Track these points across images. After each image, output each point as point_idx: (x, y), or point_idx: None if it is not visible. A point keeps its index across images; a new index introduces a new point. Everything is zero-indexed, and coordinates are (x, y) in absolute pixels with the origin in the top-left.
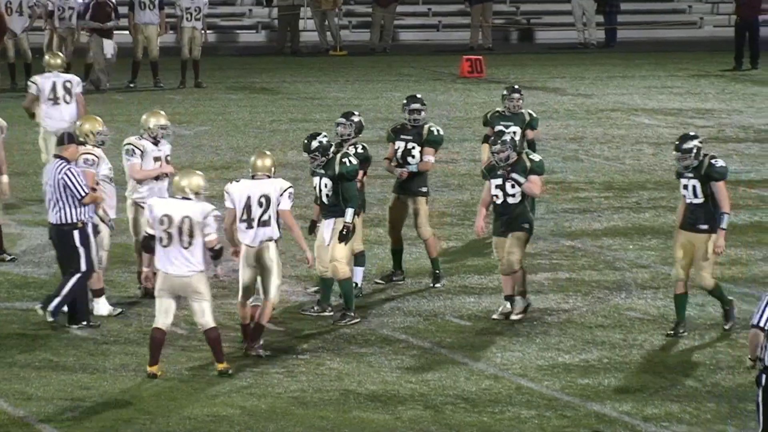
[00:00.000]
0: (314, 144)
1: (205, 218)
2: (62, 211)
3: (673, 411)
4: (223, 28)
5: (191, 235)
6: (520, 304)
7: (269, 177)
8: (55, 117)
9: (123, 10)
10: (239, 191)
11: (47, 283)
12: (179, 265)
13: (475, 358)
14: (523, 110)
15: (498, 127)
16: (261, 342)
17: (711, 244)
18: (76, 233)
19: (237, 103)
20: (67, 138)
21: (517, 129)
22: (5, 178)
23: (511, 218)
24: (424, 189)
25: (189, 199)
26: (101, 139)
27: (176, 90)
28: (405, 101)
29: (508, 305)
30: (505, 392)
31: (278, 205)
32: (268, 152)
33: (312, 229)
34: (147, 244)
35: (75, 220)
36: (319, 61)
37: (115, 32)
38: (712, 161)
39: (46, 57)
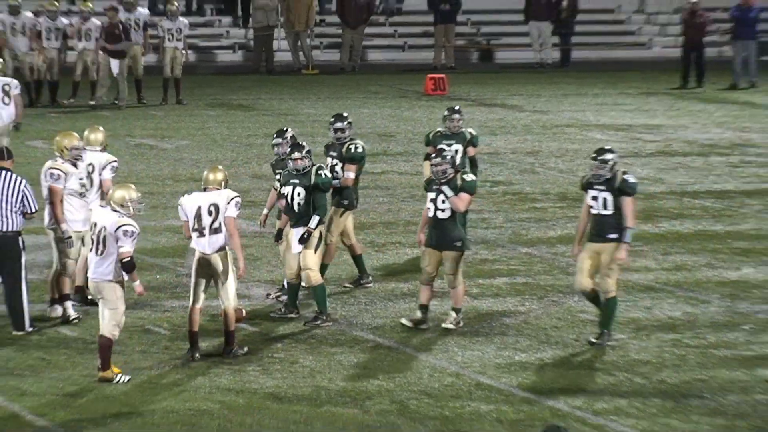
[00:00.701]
0: (283, 136)
1: (116, 231)
2: (8, 220)
3: (622, 406)
4: (203, 49)
5: (104, 245)
6: (453, 317)
7: (218, 189)
8: None
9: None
10: (190, 203)
11: (38, 287)
12: (93, 270)
13: (437, 357)
14: (463, 129)
15: (440, 146)
16: (235, 346)
17: (620, 253)
18: (20, 240)
19: (215, 119)
20: (7, 153)
21: (459, 147)
22: None
23: (442, 234)
24: (345, 202)
25: (116, 210)
26: (75, 155)
27: (159, 106)
28: (331, 120)
29: (419, 313)
30: (465, 388)
31: (225, 213)
32: (221, 167)
33: (278, 236)
34: None
35: (19, 229)
36: (292, 79)
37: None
38: (626, 176)
39: None
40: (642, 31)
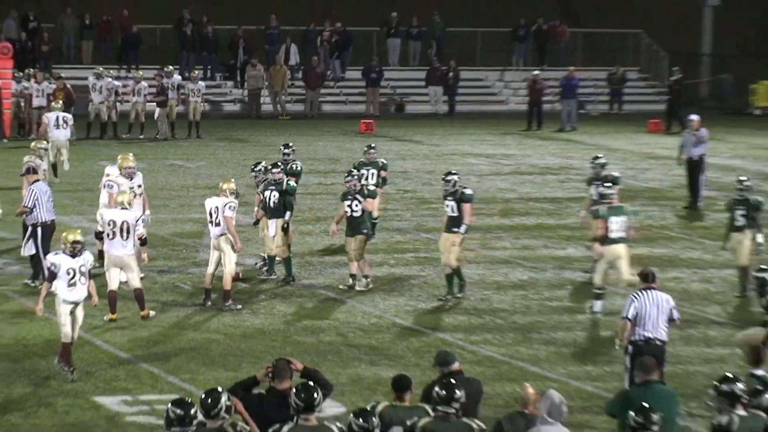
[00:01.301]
0: (258, 167)
1: (136, 222)
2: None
3: (488, 338)
4: (214, 102)
5: (128, 232)
6: (364, 282)
7: (226, 196)
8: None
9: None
10: (207, 204)
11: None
12: (119, 249)
13: (367, 305)
14: (377, 159)
15: (362, 171)
16: (230, 301)
17: (457, 239)
18: None
19: (222, 148)
20: (32, 170)
21: (375, 171)
22: None
23: (356, 227)
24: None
25: (125, 209)
26: (129, 172)
27: (185, 140)
28: (281, 147)
29: (351, 280)
30: (385, 326)
31: (223, 212)
32: (232, 180)
33: (256, 223)
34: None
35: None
36: (272, 122)
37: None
38: (464, 190)
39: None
40: (502, 93)
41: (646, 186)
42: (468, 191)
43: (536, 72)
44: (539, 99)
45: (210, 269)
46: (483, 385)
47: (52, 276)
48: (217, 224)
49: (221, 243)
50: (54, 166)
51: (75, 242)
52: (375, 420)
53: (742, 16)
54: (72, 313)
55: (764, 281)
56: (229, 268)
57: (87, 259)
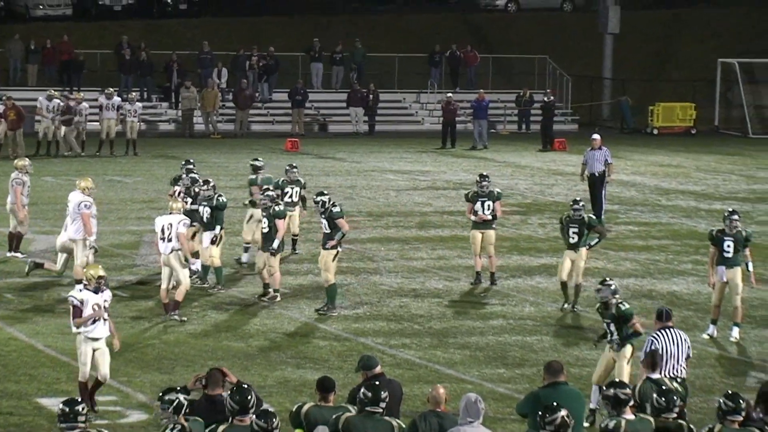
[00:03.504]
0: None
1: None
2: None
3: (406, 342)
4: (150, 122)
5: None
6: (272, 293)
7: (176, 214)
8: None
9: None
10: (159, 222)
11: None
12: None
13: (293, 312)
14: (299, 178)
15: (287, 189)
16: (178, 311)
17: (330, 255)
18: None
19: (158, 165)
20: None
21: (298, 189)
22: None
23: (264, 241)
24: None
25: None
26: (91, 192)
27: (123, 156)
28: (287, 167)
29: (263, 289)
30: (310, 331)
31: (177, 229)
32: (179, 200)
33: (193, 237)
34: None
35: None
36: (205, 141)
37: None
38: (333, 209)
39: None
40: (418, 114)
41: (553, 200)
42: (337, 209)
43: (449, 94)
44: (453, 119)
45: (163, 285)
46: (403, 387)
47: (79, 312)
48: (169, 240)
49: (171, 260)
50: None
51: (100, 277)
52: (275, 421)
53: (639, 43)
54: (95, 350)
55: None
56: (185, 282)
57: (109, 294)
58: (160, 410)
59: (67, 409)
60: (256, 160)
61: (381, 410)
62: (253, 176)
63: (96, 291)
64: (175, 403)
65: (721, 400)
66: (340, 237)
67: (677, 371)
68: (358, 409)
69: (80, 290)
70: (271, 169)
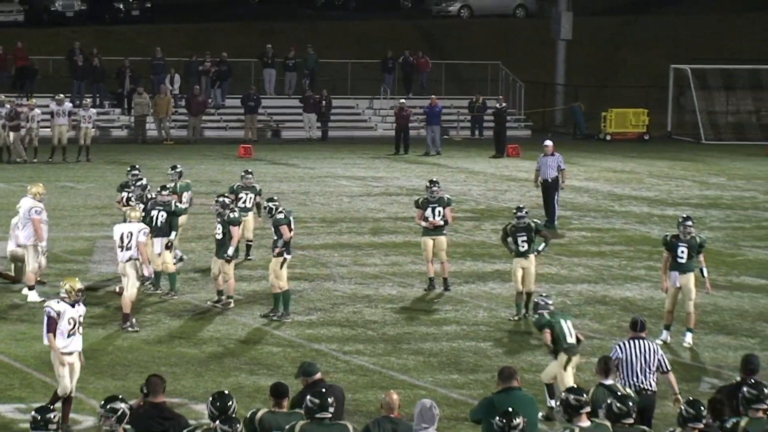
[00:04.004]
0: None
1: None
2: None
3: (360, 348)
4: (103, 128)
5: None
6: (225, 300)
7: (135, 222)
8: None
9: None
10: (118, 230)
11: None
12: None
13: (246, 318)
14: (254, 184)
15: (241, 195)
16: (129, 323)
17: (277, 262)
18: None
19: (110, 171)
20: None
21: (252, 195)
22: None
23: (218, 247)
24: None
25: None
26: (42, 198)
27: (75, 162)
28: (243, 173)
29: (216, 296)
30: (264, 337)
31: (137, 238)
32: (138, 208)
33: None
34: None
35: None
36: (158, 147)
37: (40, 129)
38: (277, 215)
39: None
40: (371, 120)
41: (506, 206)
42: (280, 215)
43: (402, 100)
44: (406, 125)
45: (124, 291)
46: (355, 393)
47: (54, 324)
48: (128, 249)
49: (127, 267)
50: None
51: (80, 290)
52: (239, 426)
53: (591, 49)
54: (71, 364)
55: (537, 305)
56: (131, 292)
57: (84, 309)
58: (102, 417)
59: (39, 417)
60: (175, 167)
61: (330, 415)
62: (172, 184)
63: (73, 304)
64: (119, 413)
65: (683, 407)
66: (282, 244)
67: (647, 383)
68: (306, 417)
69: (57, 302)
70: (225, 174)
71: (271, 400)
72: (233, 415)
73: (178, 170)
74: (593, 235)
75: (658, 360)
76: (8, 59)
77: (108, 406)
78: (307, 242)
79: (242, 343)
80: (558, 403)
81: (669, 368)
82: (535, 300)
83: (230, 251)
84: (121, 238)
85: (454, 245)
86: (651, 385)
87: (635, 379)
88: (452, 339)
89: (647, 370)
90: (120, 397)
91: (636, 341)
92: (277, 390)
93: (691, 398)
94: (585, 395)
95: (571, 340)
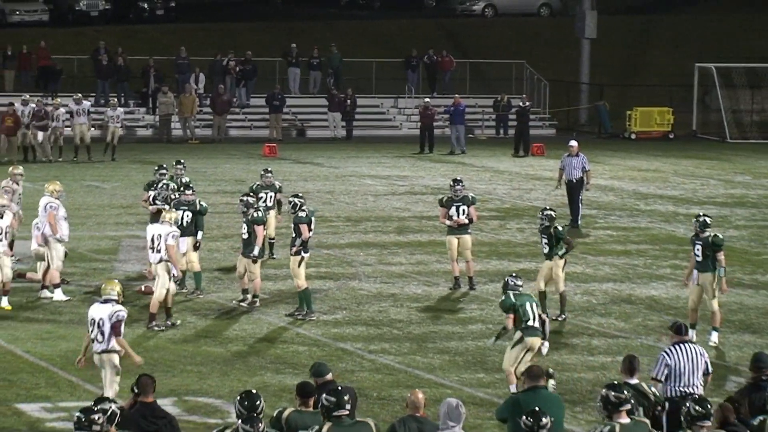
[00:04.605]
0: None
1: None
2: None
3: (385, 347)
4: (129, 127)
5: None
6: (251, 299)
7: (166, 223)
8: None
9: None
10: (149, 231)
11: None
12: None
13: (272, 317)
14: (274, 182)
15: (261, 194)
16: (155, 321)
17: (295, 261)
18: None
19: (136, 170)
20: None
21: (272, 193)
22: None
23: (244, 247)
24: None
25: None
26: (60, 195)
27: (101, 162)
28: (262, 171)
29: (241, 295)
30: (289, 336)
31: (166, 241)
32: (174, 211)
33: None
34: None
35: None
36: (183, 146)
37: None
38: (299, 213)
39: None
40: (396, 119)
41: (531, 205)
42: (301, 213)
43: (427, 99)
44: (430, 124)
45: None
46: (380, 392)
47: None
48: (158, 251)
49: (158, 269)
50: None
51: (119, 293)
52: (261, 426)
53: (615, 48)
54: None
55: (506, 284)
56: (160, 292)
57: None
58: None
59: (83, 417)
60: (179, 161)
61: (347, 412)
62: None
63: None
64: (108, 413)
65: (689, 405)
66: (300, 243)
67: (694, 387)
68: (323, 416)
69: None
70: (250, 174)
71: (298, 399)
72: (260, 415)
73: (182, 164)
74: (619, 234)
75: (705, 363)
76: (32, 59)
77: (98, 407)
78: (333, 241)
79: (268, 342)
80: (598, 399)
81: (710, 371)
82: (505, 279)
83: (256, 251)
84: (152, 240)
85: (480, 244)
86: (698, 389)
87: (683, 384)
88: (478, 338)
89: (695, 374)
90: (109, 398)
91: (682, 345)
92: (303, 389)
93: (698, 396)
94: (625, 393)
95: (532, 323)
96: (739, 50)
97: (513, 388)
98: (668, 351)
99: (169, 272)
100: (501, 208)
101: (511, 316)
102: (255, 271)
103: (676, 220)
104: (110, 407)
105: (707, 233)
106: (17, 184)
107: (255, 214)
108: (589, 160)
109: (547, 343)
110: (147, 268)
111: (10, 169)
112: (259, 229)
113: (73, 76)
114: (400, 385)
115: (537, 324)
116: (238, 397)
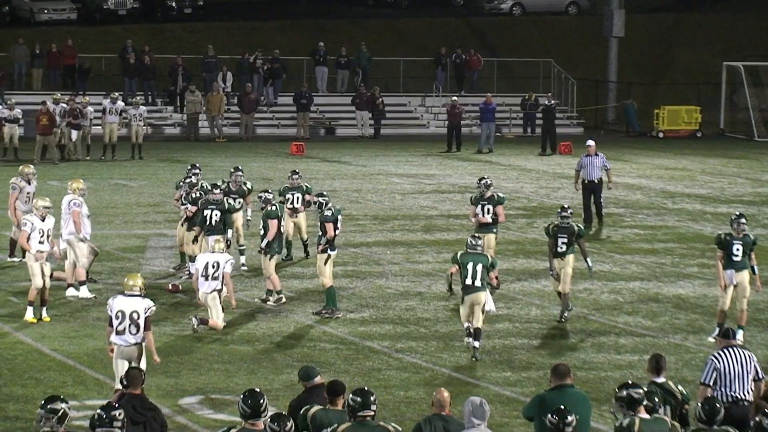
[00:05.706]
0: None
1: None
2: None
3: (412, 346)
4: (155, 126)
5: None
6: (275, 297)
7: (221, 253)
8: None
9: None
10: (203, 259)
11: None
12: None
13: (299, 315)
14: (302, 184)
15: (288, 196)
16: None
17: (321, 259)
18: None
19: (163, 168)
20: None
21: (300, 195)
22: None
23: (267, 245)
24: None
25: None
26: (83, 193)
27: (128, 160)
28: (232, 170)
29: (264, 294)
30: (316, 335)
31: (224, 269)
32: (223, 239)
33: (195, 240)
34: None
35: None
36: (210, 144)
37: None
38: (325, 212)
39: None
40: (423, 117)
41: (558, 203)
42: (327, 212)
43: (455, 98)
44: (458, 122)
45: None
46: (407, 390)
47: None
48: (214, 279)
49: (209, 300)
50: None
51: (142, 287)
52: (289, 424)
53: (643, 46)
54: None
55: (467, 243)
56: (217, 323)
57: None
58: (42, 418)
59: (104, 414)
60: (195, 165)
61: (373, 413)
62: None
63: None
64: (59, 413)
65: (699, 404)
66: (325, 241)
67: (743, 393)
68: (349, 416)
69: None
70: (278, 172)
71: (327, 397)
72: (264, 413)
73: (197, 167)
74: (646, 233)
75: (755, 367)
76: (60, 57)
77: (49, 406)
78: (360, 240)
79: (294, 340)
80: (616, 398)
81: (762, 376)
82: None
83: (263, 243)
84: (206, 268)
85: (507, 242)
86: (747, 395)
87: (732, 390)
88: (504, 336)
89: (744, 379)
90: (61, 397)
91: (731, 350)
92: (333, 388)
93: (709, 395)
94: (643, 389)
95: (470, 282)
96: (767, 48)
97: (469, 340)
98: (716, 355)
99: (221, 301)
100: (528, 206)
101: (455, 268)
102: (267, 267)
103: (703, 219)
104: (62, 407)
105: (746, 232)
106: (29, 183)
107: (268, 208)
108: (617, 158)
109: (491, 302)
110: (196, 299)
111: (21, 167)
112: (273, 223)
113: (101, 75)
114: (427, 384)
115: (478, 283)
116: (242, 396)
